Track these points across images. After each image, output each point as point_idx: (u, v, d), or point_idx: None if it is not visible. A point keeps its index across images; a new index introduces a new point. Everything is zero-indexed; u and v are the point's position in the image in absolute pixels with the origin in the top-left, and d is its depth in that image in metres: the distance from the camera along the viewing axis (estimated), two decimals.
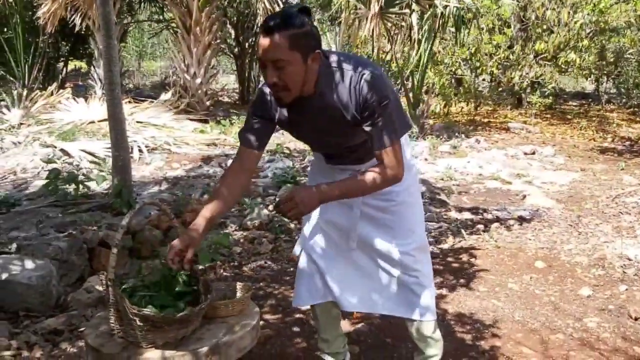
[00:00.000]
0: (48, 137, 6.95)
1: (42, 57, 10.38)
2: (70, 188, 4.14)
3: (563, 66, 10.40)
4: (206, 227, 1.63)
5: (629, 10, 9.36)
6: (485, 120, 10.81)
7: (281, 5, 8.78)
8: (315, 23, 13.12)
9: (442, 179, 6.00)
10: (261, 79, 1.70)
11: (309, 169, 2.31)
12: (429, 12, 8.15)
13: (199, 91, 9.72)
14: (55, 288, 2.77)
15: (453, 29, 8.85)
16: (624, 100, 12.68)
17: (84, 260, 3.10)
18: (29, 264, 2.74)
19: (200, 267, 3.14)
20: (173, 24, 11.39)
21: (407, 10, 8.04)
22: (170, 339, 1.55)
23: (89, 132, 7.42)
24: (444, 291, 3.13)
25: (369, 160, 1.82)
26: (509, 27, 11.25)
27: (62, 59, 13.20)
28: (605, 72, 11.83)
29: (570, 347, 2.53)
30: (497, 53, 10.52)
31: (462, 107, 11.66)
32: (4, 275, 2.65)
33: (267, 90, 1.71)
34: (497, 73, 11.05)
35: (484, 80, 12.71)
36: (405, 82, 8.87)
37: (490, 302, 3.00)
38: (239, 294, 1.88)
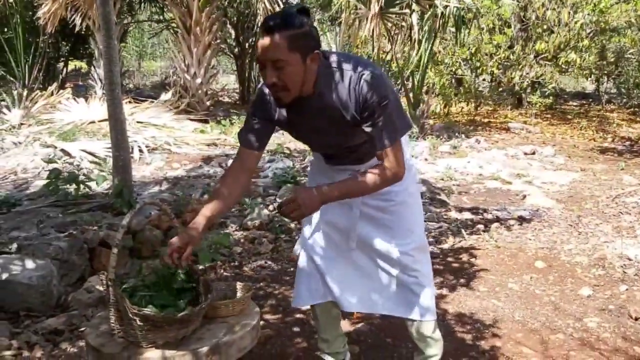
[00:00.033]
0: (48, 137, 6.95)
1: (42, 57, 10.39)
2: (71, 188, 4.14)
3: (563, 66, 10.40)
4: (206, 226, 1.64)
5: (629, 10, 9.36)
6: (486, 120, 10.81)
7: (281, 6, 8.78)
8: (316, 23, 13.16)
9: (442, 179, 6.00)
10: (261, 79, 1.69)
11: (308, 169, 2.32)
12: (429, 12, 8.15)
13: (199, 91, 9.73)
14: (55, 288, 2.77)
15: (453, 29, 8.86)
16: (624, 100, 12.68)
17: (84, 260, 3.10)
18: (30, 263, 2.74)
19: (201, 267, 3.15)
20: (173, 24, 11.39)
21: (407, 10, 8.04)
22: (171, 339, 1.56)
23: (89, 132, 7.42)
24: (444, 291, 3.13)
25: (368, 160, 1.83)
26: (509, 27, 11.25)
27: (62, 59, 13.20)
28: (605, 72, 11.83)
29: (570, 347, 2.54)
30: (498, 53, 10.52)
31: (462, 107, 11.67)
32: (5, 275, 2.65)
33: (266, 90, 1.71)
34: (497, 73, 11.06)
35: (484, 80, 12.71)
36: (405, 82, 8.88)
37: (490, 302, 3.00)
38: (239, 294, 1.89)
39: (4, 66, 10.32)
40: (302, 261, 2.00)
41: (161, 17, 13.27)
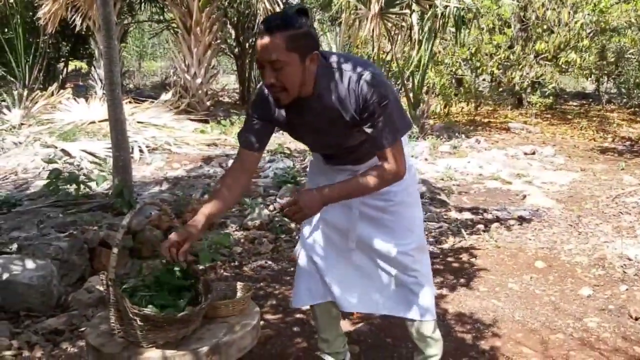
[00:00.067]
0: (49, 137, 6.96)
1: (42, 57, 10.39)
2: (71, 188, 4.14)
3: (563, 66, 10.39)
4: (205, 224, 1.64)
5: (629, 10, 9.36)
6: (486, 120, 10.81)
7: (281, 6, 8.79)
8: (316, 23, 13.18)
9: (442, 179, 6.00)
10: (261, 79, 1.69)
11: (308, 169, 2.32)
12: (430, 12, 8.15)
13: (200, 91, 9.73)
14: (56, 288, 2.77)
15: (453, 29, 8.86)
16: (624, 100, 12.68)
17: (84, 260, 3.10)
18: (30, 264, 2.75)
19: (201, 267, 3.15)
20: (173, 24, 11.40)
21: (407, 11, 8.05)
22: (171, 339, 1.56)
23: (89, 133, 7.43)
24: (444, 291, 3.13)
25: (368, 160, 1.83)
26: (509, 27, 11.25)
27: (62, 59, 13.21)
28: (605, 72, 11.83)
29: (570, 347, 2.54)
30: (498, 53, 10.52)
31: (463, 107, 11.66)
32: (5, 275, 2.65)
33: (266, 91, 1.71)
34: (497, 73, 11.05)
35: (484, 80, 12.71)
36: (405, 82, 8.88)
37: (490, 302, 3.01)
38: (239, 294, 1.89)
39: (5, 66, 10.33)
40: (302, 261, 2.00)
41: (161, 18, 13.28)
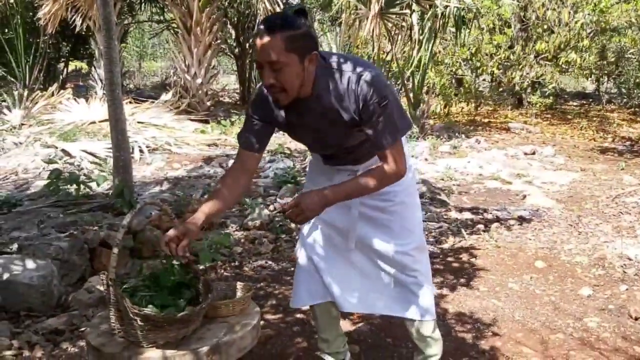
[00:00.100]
0: (49, 137, 6.96)
1: (42, 57, 10.40)
2: (72, 188, 4.14)
3: (564, 66, 10.39)
4: (204, 222, 1.64)
5: (629, 10, 9.36)
6: (486, 120, 10.81)
7: (282, 6, 8.79)
8: (316, 24, 13.17)
9: (443, 179, 6.00)
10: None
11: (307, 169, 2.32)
12: (430, 12, 8.15)
13: (200, 91, 9.73)
14: (56, 288, 2.78)
15: (453, 29, 8.86)
16: (624, 100, 12.67)
17: (85, 260, 3.11)
18: (30, 264, 2.75)
19: (201, 267, 3.15)
20: (174, 25, 11.40)
21: (407, 11, 8.05)
22: (171, 339, 1.56)
23: (89, 133, 7.43)
24: (444, 291, 3.13)
25: (367, 160, 1.84)
26: (509, 27, 11.25)
27: (62, 59, 13.22)
28: (606, 72, 11.82)
29: (570, 346, 2.54)
30: (498, 53, 10.52)
31: (463, 107, 11.66)
32: (6, 275, 2.66)
33: (265, 91, 1.71)
34: (497, 73, 11.05)
35: (484, 80, 12.71)
36: (405, 82, 8.88)
37: (490, 302, 3.01)
38: (239, 294, 1.89)
39: (5, 67, 10.35)
40: (301, 261, 2.00)
41: (162, 18, 13.28)
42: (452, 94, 10.81)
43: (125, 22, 12.35)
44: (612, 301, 3.05)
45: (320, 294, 1.97)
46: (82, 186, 4.16)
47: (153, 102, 9.53)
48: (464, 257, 3.71)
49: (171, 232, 1.59)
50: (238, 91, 13.75)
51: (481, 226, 4.35)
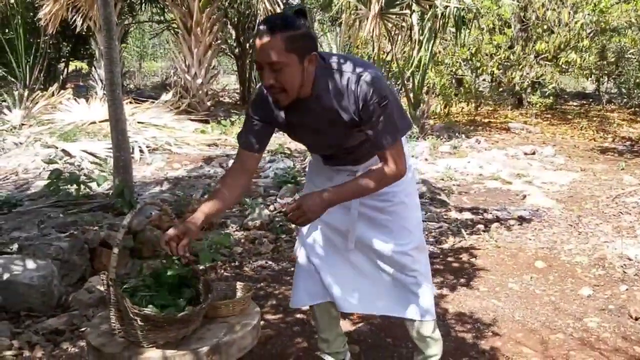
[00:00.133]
0: (49, 137, 6.97)
1: (43, 57, 10.41)
2: (72, 188, 4.15)
3: (564, 66, 10.39)
4: (204, 222, 1.64)
5: (629, 10, 9.36)
6: (486, 120, 10.81)
7: (282, 6, 8.79)
8: (316, 24, 13.17)
9: (443, 179, 6.00)
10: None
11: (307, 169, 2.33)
12: (430, 13, 8.15)
13: (200, 92, 9.74)
14: (56, 288, 2.78)
15: (453, 30, 8.86)
16: (624, 100, 12.67)
17: (85, 260, 3.11)
18: (31, 264, 2.75)
19: (201, 267, 3.15)
20: (174, 25, 11.40)
21: (407, 11, 8.05)
22: (171, 339, 1.56)
23: (90, 133, 7.44)
24: (444, 291, 3.13)
25: (366, 161, 1.84)
26: (509, 27, 11.25)
27: (63, 59, 13.22)
28: (606, 72, 11.82)
29: (570, 346, 2.54)
30: (498, 53, 10.51)
31: (463, 108, 11.66)
32: (6, 276, 2.66)
33: (265, 91, 1.71)
34: (497, 73, 11.05)
35: (484, 80, 12.71)
36: (406, 82, 8.88)
37: (490, 302, 3.01)
38: (239, 294, 1.89)
39: (5, 67, 10.35)
40: (301, 261, 2.00)
41: (162, 18, 13.28)
42: (452, 94, 10.81)
43: (126, 22, 12.35)
44: (612, 301, 3.05)
45: (320, 294, 1.97)
46: (82, 186, 4.17)
47: (153, 102, 9.53)
48: (464, 257, 3.71)
49: (171, 231, 1.59)
50: (238, 91, 13.75)
51: (481, 226, 4.35)
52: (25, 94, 8.73)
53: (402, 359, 2.41)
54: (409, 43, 8.90)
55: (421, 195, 4.98)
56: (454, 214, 4.68)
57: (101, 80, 9.91)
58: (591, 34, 10.01)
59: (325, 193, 1.68)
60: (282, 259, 3.62)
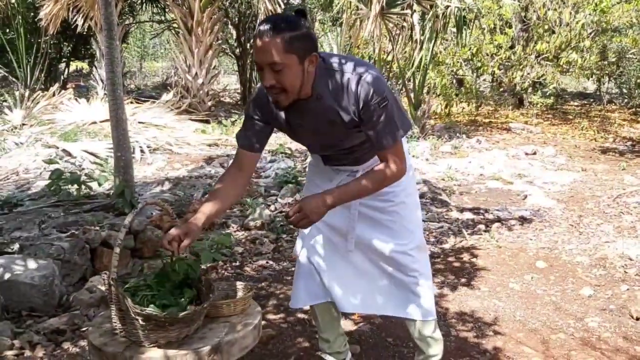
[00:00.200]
0: (50, 137, 6.97)
1: (44, 58, 10.42)
2: (73, 188, 4.15)
3: (565, 66, 10.39)
4: (204, 222, 1.65)
5: (630, 10, 9.35)
6: (487, 120, 10.81)
7: (282, 6, 8.79)
8: (317, 24, 13.17)
9: (444, 179, 6.00)
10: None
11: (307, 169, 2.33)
12: (431, 13, 8.15)
13: (201, 92, 9.74)
14: (57, 288, 2.78)
15: (454, 30, 8.86)
16: (625, 100, 12.66)
17: (86, 260, 3.11)
18: (32, 264, 2.75)
19: (202, 266, 3.15)
20: (175, 25, 11.40)
21: (408, 11, 8.05)
22: (173, 338, 1.56)
23: (90, 133, 7.44)
24: (445, 291, 3.13)
25: (366, 161, 1.84)
26: (510, 27, 11.25)
27: (64, 59, 13.24)
28: (607, 72, 11.81)
29: (571, 346, 2.54)
30: (499, 53, 10.51)
31: (464, 108, 11.66)
32: (7, 275, 2.66)
33: (264, 92, 1.71)
34: (498, 73, 11.05)
35: (485, 80, 12.71)
36: (406, 82, 8.88)
37: (491, 302, 3.01)
38: (240, 294, 1.89)
39: (6, 67, 10.37)
40: (301, 262, 2.00)
41: (163, 18, 13.29)
42: (453, 94, 10.81)
43: (127, 22, 12.37)
44: (613, 301, 3.05)
45: (320, 294, 1.97)
46: (83, 186, 4.17)
47: (154, 102, 9.54)
48: (465, 257, 3.71)
49: (173, 231, 1.59)
50: (239, 91, 13.76)
51: (482, 226, 4.35)
52: (26, 94, 8.73)
53: (403, 359, 2.41)
54: (410, 43, 8.90)
55: (422, 196, 4.98)
56: (455, 214, 4.68)
57: (102, 80, 9.91)
58: (592, 34, 10.02)
59: (326, 195, 1.68)
60: (283, 259, 3.62)
